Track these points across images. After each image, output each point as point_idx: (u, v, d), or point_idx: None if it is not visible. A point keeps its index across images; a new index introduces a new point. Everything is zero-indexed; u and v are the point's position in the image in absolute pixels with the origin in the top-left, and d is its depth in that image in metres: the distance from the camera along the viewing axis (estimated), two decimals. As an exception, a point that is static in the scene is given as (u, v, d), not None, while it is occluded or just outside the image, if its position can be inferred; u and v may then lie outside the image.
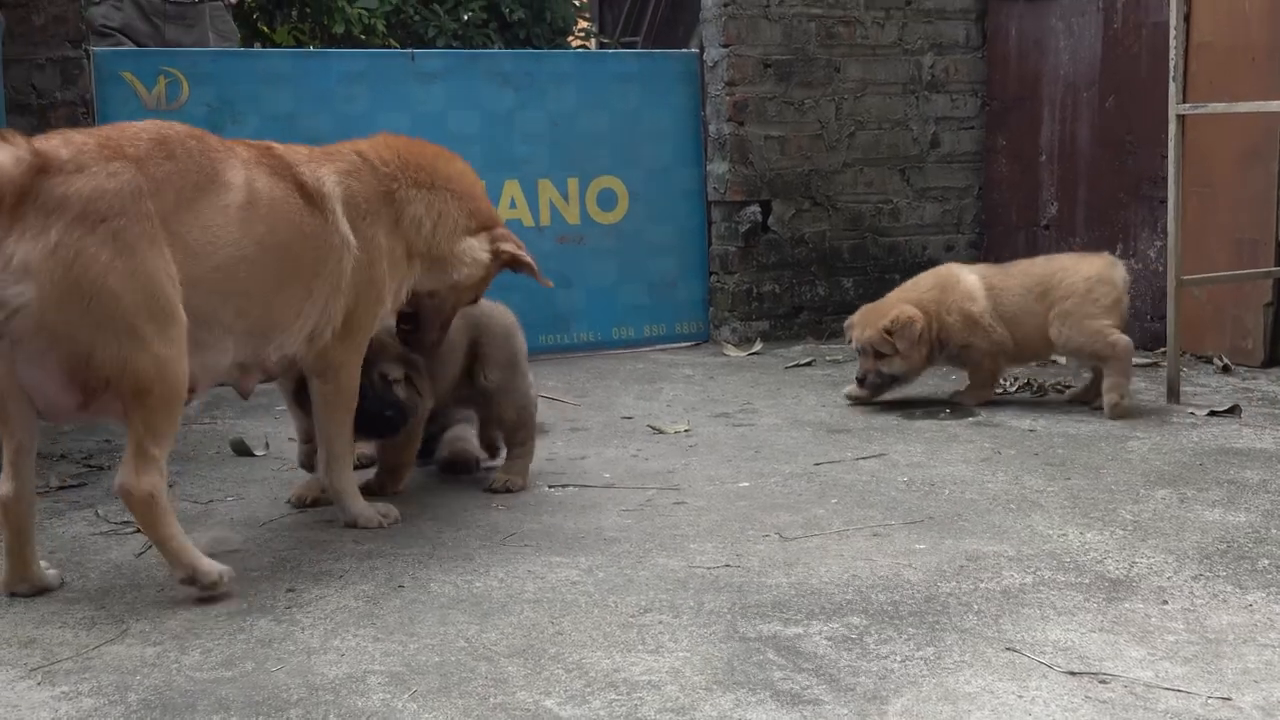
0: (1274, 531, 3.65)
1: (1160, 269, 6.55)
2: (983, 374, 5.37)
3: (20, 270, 2.94)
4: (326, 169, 3.67)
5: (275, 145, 3.67)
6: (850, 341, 5.42)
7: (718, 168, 7.27)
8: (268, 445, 4.97)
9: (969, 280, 5.35)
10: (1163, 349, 5.84)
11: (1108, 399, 5.10)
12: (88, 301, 3.00)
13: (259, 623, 3.15)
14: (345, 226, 3.64)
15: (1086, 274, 5.20)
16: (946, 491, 4.15)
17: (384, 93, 6.64)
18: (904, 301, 5.34)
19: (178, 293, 3.17)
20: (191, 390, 3.38)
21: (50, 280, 2.96)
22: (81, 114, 6.03)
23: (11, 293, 2.95)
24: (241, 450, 4.84)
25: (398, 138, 3.98)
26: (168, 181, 3.22)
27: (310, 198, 3.58)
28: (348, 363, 3.75)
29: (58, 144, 3.09)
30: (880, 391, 5.36)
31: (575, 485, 4.33)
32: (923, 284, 5.42)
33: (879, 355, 5.26)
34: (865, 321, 5.33)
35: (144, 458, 3.17)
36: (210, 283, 3.31)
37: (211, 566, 3.28)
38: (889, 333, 5.21)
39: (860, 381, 5.34)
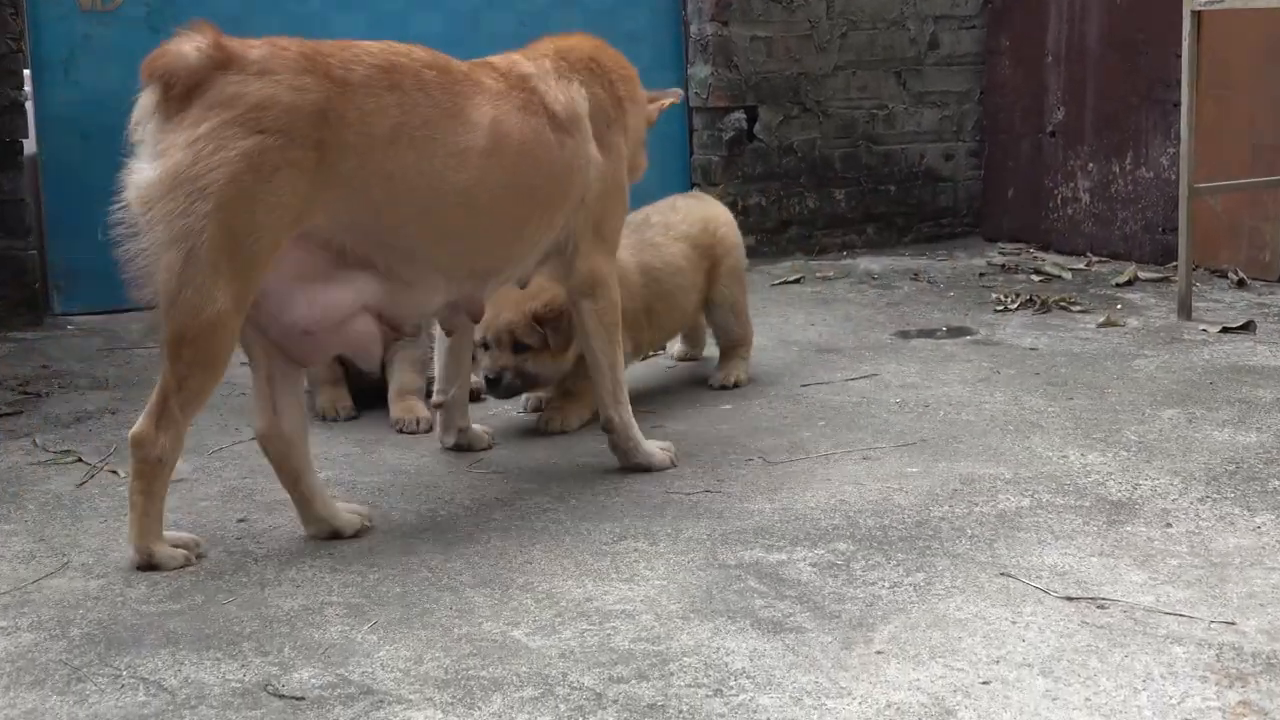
0: (1286, 452, 3.70)
1: (1172, 177, 6.56)
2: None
3: (157, 154, 2.99)
4: (575, 86, 3.57)
5: (522, 62, 3.56)
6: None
7: (699, 71, 7.24)
8: (217, 370, 4.98)
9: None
10: (1174, 263, 5.86)
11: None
12: (188, 204, 2.95)
13: (209, 554, 3.17)
14: (592, 144, 3.59)
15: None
16: (941, 413, 4.19)
17: (338, -9, 6.59)
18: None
19: (279, 245, 3.04)
20: (396, 329, 3.35)
21: (170, 166, 2.97)
22: (10, 14, 5.98)
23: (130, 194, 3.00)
24: (189, 375, 4.84)
25: (590, 38, 3.85)
26: (381, 114, 3.11)
27: (561, 126, 3.48)
28: (611, 274, 3.65)
29: (255, 45, 3.05)
30: (514, 395, 4.15)
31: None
32: None
33: (519, 349, 4.01)
34: (504, 303, 3.97)
35: (167, 415, 3.05)
36: (423, 226, 3.22)
37: (171, 556, 3.10)
38: (539, 321, 3.99)
39: (490, 382, 4.03)
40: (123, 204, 3.04)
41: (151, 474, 3.06)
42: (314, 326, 3.20)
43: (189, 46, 2.99)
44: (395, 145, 3.14)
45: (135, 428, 3.07)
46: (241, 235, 2.98)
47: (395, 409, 4.29)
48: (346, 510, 3.31)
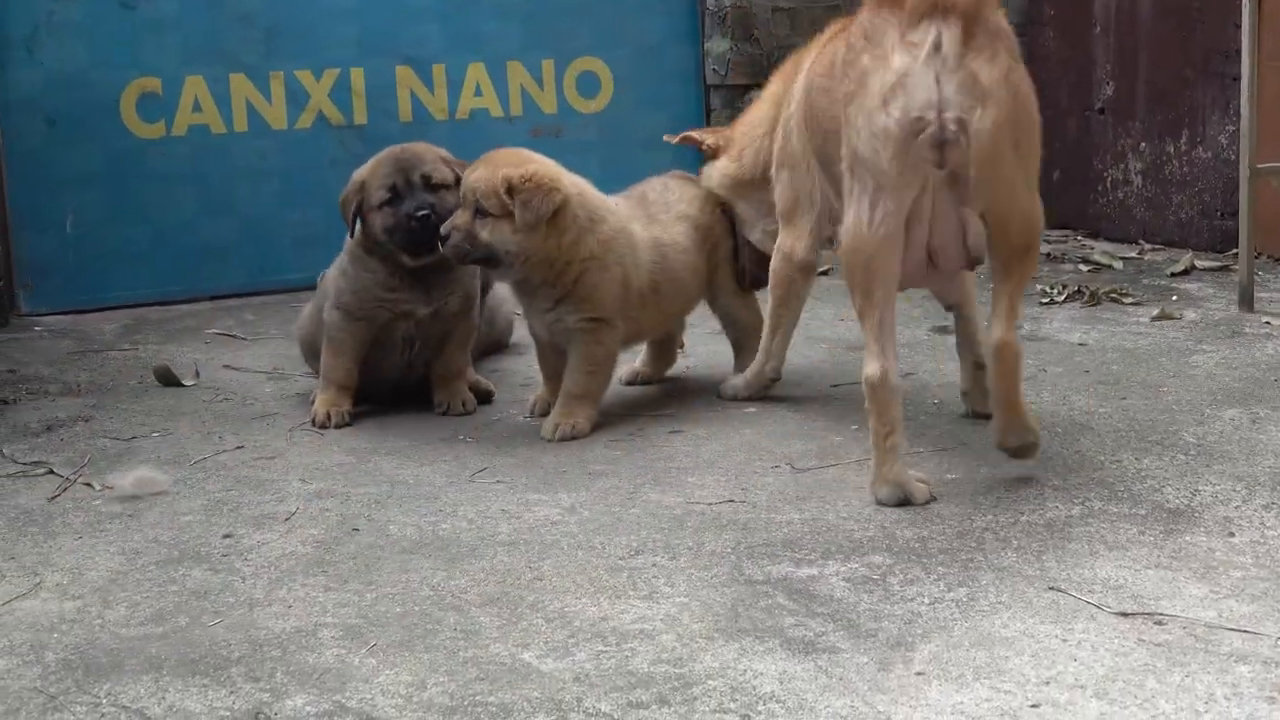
0: (1358, 454, 3.71)
1: (1232, 157, 6.56)
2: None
3: (982, 92, 3.32)
4: None
5: None
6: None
7: (717, 45, 7.26)
8: (198, 374, 5.01)
9: None
10: (1234, 250, 5.87)
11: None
12: (1015, 137, 3.41)
13: (193, 573, 3.20)
14: None
15: None
16: (984, 415, 4.20)
17: (326, -38, 6.63)
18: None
19: None
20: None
21: (1001, 107, 3.34)
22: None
23: (973, 115, 3.31)
24: (168, 380, 4.88)
25: None
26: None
27: None
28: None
29: None
30: (463, 260, 4.23)
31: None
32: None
33: (481, 213, 4.12)
34: (490, 162, 4.21)
35: (1017, 315, 3.59)
36: None
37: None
38: (510, 189, 4.11)
39: (440, 239, 4.17)
40: (958, 121, 3.31)
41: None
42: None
43: None
44: None
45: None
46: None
47: (440, 392, 4.43)
48: (916, 478, 3.52)
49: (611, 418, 4.33)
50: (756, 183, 4.52)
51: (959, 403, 4.30)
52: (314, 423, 4.32)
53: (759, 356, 4.45)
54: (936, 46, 3.32)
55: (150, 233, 6.41)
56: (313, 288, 5.40)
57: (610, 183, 7.10)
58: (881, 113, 3.34)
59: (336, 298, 4.38)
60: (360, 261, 4.38)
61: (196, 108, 6.41)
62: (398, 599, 3.01)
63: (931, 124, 3.30)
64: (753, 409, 4.37)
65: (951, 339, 5.12)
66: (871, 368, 3.45)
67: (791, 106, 4.25)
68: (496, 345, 5.26)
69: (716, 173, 4.66)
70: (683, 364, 4.98)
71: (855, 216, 3.44)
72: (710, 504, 3.52)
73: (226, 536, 3.43)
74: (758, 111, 4.60)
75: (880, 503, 3.45)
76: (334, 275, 4.47)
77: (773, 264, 4.38)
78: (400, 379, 4.52)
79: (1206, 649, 2.63)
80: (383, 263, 4.36)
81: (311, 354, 4.64)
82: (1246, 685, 2.49)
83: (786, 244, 4.32)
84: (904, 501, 3.44)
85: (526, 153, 4.30)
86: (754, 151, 4.53)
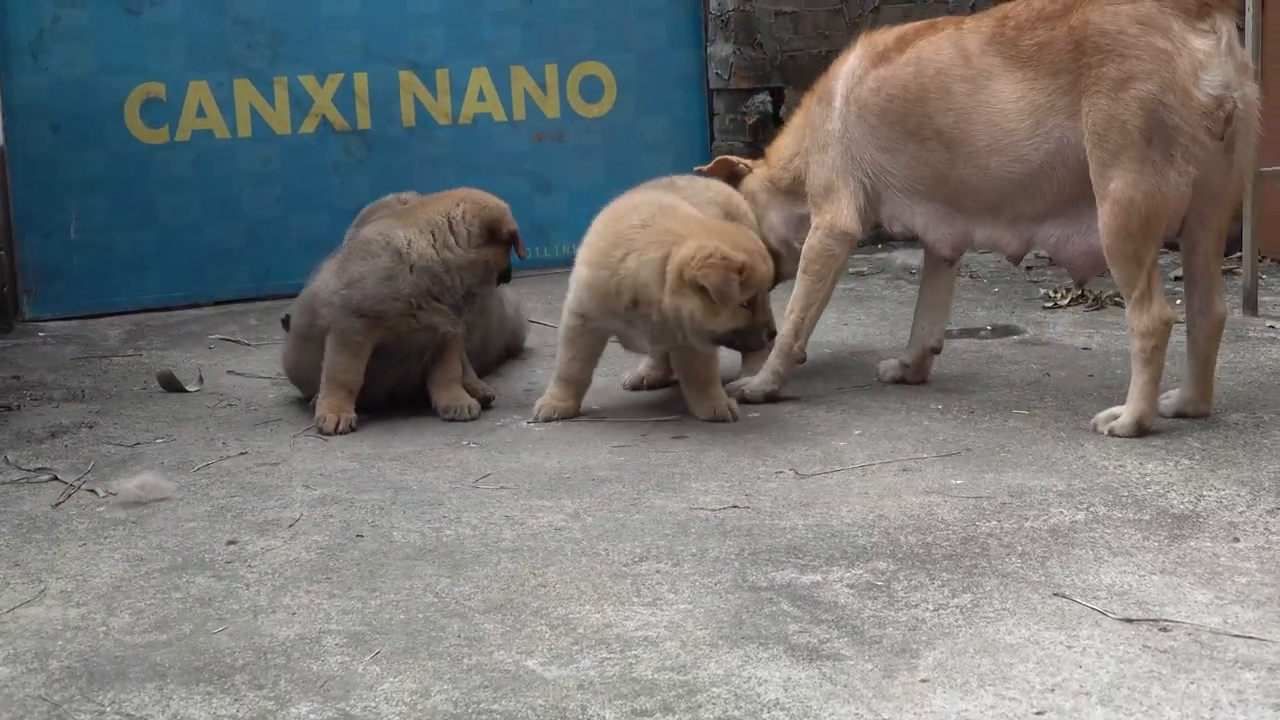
0: (1363, 458, 3.70)
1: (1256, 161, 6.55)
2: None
3: (1244, 66, 4.00)
4: None
5: None
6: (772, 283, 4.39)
7: (720, 50, 7.26)
8: (201, 380, 5.01)
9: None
10: (1239, 254, 5.86)
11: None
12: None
13: (197, 579, 3.20)
14: None
15: None
16: (987, 419, 4.20)
17: (329, -33, 6.63)
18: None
19: None
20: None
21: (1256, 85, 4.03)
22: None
23: (1238, 93, 3.93)
24: (171, 385, 4.88)
25: None
26: None
27: None
28: None
29: None
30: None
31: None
32: None
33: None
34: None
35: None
36: None
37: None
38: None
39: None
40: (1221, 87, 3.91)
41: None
42: None
43: None
44: None
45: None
46: None
47: (443, 397, 4.43)
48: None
49: (615, 423, 4.33)
50: (790, 191, 4.76)
51: (963, 407, 4.30)
52: (320, 429, 4.31)
53: (786, 336, 4.52)
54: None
55: (154, 238, 6.41)
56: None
57: (614, 187, 7.10)
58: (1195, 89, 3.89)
59: (359, 302, 4.34)
60: (401, 275, 4.36)
61: (200, 113, 6.42)
62: (401, 606, 3.01)
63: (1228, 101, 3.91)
64: (756, 414, 4.37)
65: (957, 343, 5.12)
66: (1160, 310, 3.96)
67: (835, 102, 4.53)
68: (514, 351, 5.26)
69: (755, 181, 4.86)
70: (686, 369, 4.97)
71: (1154, 180, 3.91)
72: (714, 510, 3.52)
73: (230, 543, 3.43)
74: (795, 122, 4.83)
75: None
76: (349, 281, 4.41)
77: (809, 242, 4.56)
78: (397, 386, 4.52)
79: (1212, 655, 2.63)
80: (434, 279, 4.36)
81: (302, 373, 4.63)
82: (1252, 692, 2.48)
83: (826, 218, 4.53)
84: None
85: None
86: (787, 161, 4.78)
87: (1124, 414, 4.00)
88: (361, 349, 4.35)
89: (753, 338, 4.17)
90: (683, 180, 4.74)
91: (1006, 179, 4.20)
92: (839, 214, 4.51)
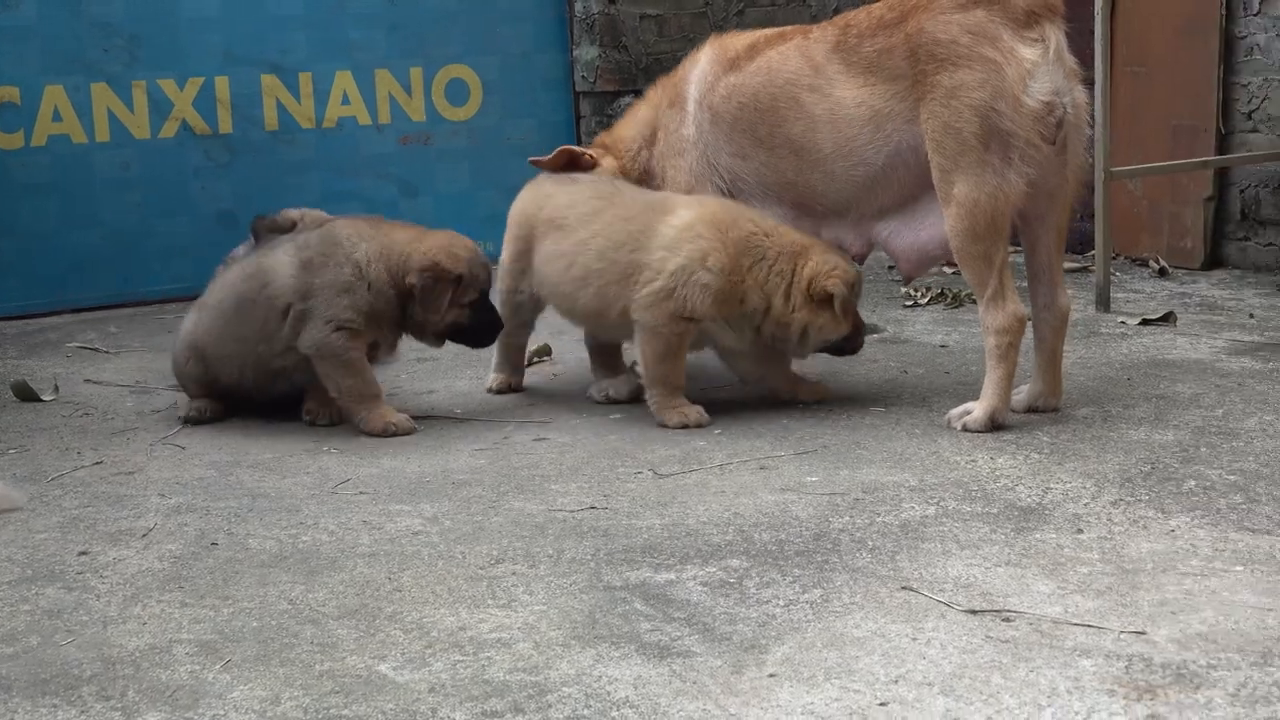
0: (1203, 450, 3.80)
1: (1089, 160, 6.70)
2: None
3: (1073, 73, 4.10)
4: None
5: None
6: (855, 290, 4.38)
7: (586, 52, 7.28)
8: (57, 388, 4.93)
9: None
10: (1092, 251, 5.99)
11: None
12: None
13: (46, 591, 3.16)
14: None
15: None
16: (845, 417, 4.25)
17: (187, -30, 6.55)
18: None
19: None
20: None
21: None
22: None
23: (1067, 99, 4.05)
24: (25, 395, 4.80)
25: None
26: None
27: None
28: None
29: None
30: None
31: (422, 421, 4.36)
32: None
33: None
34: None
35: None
36: None
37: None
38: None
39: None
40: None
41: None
42: None
43: None
44: None
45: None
46: None
47: (315, 403, 4.43)
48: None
49: (477, 426, 4.33)
50: (640, 183, 4.72)
51: (821, 405, 4.35)
52: (373, 432, 4.26)
53: None
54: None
55: (11, 245, 6.29)
56: (183, 299, 5.32)
57: (480, 190, 7.12)
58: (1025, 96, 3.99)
59: (340, 319, 4.27)
60: (382, 294, 4.33)
61: (56, 117, 6.31)
62: (254, 613, 2.99)
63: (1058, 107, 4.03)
64: (618, 414, 4.39)
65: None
66: (1014, 307, 4.05)
67: (689, 107, 4.57)
68: None
69: (606, 172, 4.79)
70: (549, 370, 4.99)
71: (996, 182, 4.01)
72: (572, 511, 3.53)
73: (82, 554, 3.38)
74: (639, 115, 4.82)
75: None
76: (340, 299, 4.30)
77: None
78: (276, 392, 4.47)
79: (1051, 644, 2.69)
80: (401, 307, 4.36)
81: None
82: (1088, 679, 2.54)
83: None
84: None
85: None
86: (635, 153, 4.76)
87: (977, 409, 4.08)
88: (363, 358, 4.38)
89: (859, 340, 4.41)
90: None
91: (851, 182, 4.28)
92: None
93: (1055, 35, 4.05)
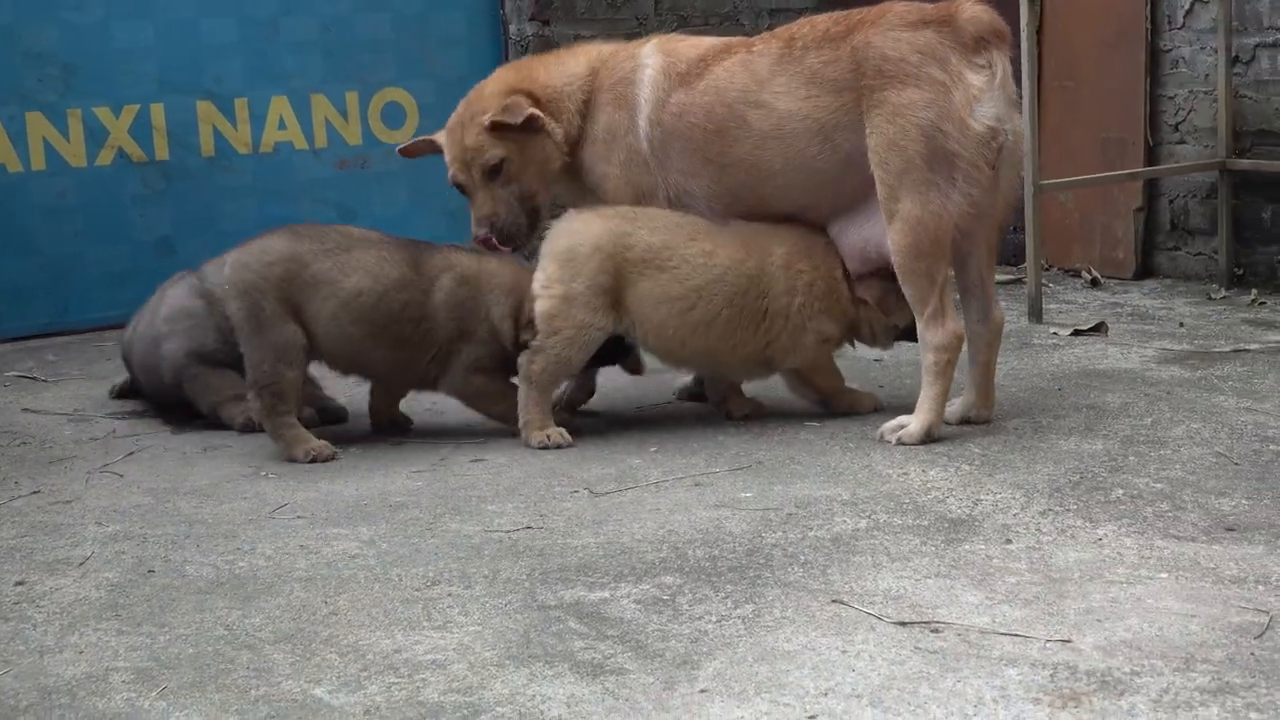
0: (1131, 459, 3.85)
1: (1020, 183, 6.77)
2: None
3: (1014, 101, 4.20)
4: None
5: None
6: None
7: (522, 74, 7.28)
8: (-5, 418, 4.92)
9: None
10: (1024, 264, 6.06)
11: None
12: None
13: (-19, 623, 3.15)
14: None
15: None
16: (779, 432, 4.29)
17: (120, -2, 6.52)
18: None
19: None
20: None
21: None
22: None
23: (1008, 126, 4.13)
24: (-37, 425, 4.78)
25: None
26: None
27: None
28: None
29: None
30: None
31: (358, 446, 4.37)
32: None
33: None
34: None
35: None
36: None
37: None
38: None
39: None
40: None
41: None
42: None
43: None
44: None
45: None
46: None
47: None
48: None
49: (415, 448, 4.34)
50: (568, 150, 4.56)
51: (756, 421, 4.39)
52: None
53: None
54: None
55: (-54, 274, 6.26)
56: (120, 326, 5.26)
57: (419, 213, 7.12)
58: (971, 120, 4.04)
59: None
60: None
61: (-9, 146, 6.29)
62: (191, 640, 2.99)
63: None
64: (555, 435, 4.41)
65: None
66: (954, 325, 4.12)
67: (639, 119, 4.43)
68: None
69: (555, 139, 4.54)
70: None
71: (941, 201, 4.05)
72: (508, 531, 3.55)
73: (19, 584, 3.37)
74: (578, 78, 4.55)
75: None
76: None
77: None
78: None
79: (979, 654, 2.72)
80: None
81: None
82: (1014, 688, 2.58)
83: None
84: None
85: None
86: (571, 117, 4.54)
87: (912, 424, 4.12)
88: None
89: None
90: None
91: (804, 191, 4.30)
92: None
93: (1002, 62, 4.11)
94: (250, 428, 4.50)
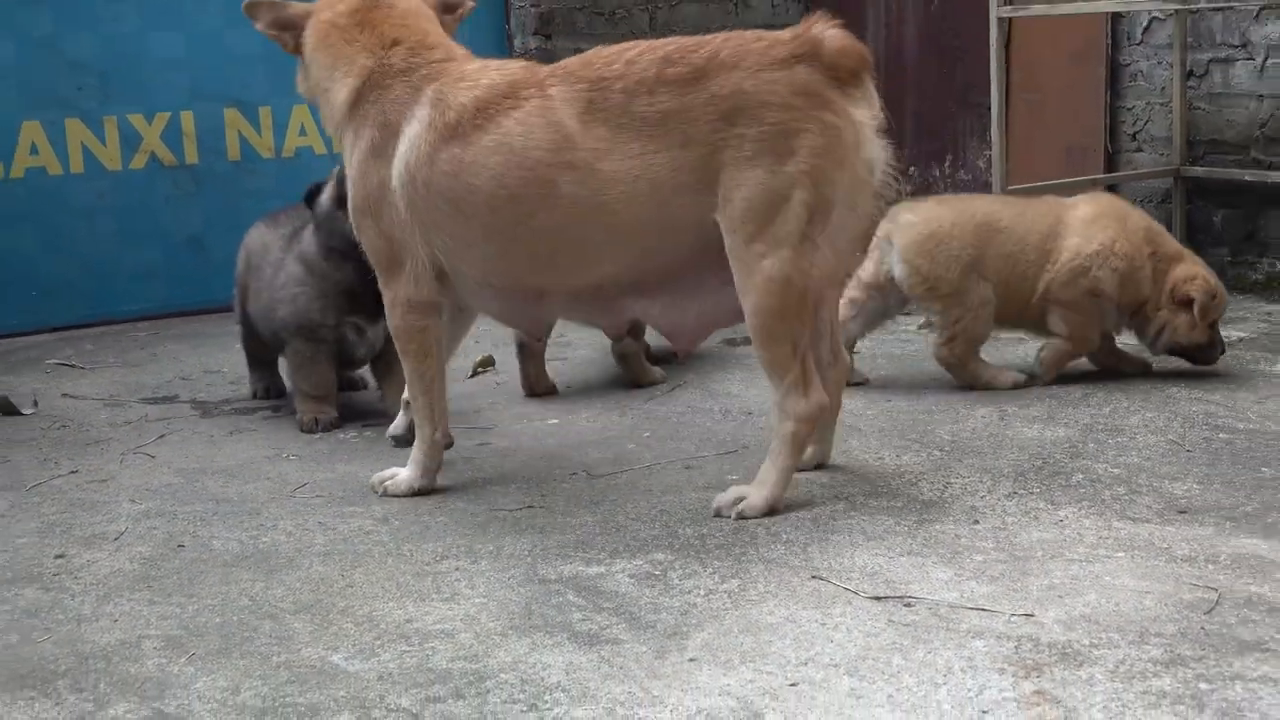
0: (1090, 446, 3.86)
1: (989, 179, 6.77)
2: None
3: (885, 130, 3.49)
4: None
5: None
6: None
7: (527, 85, 7.27)
8: (36, 403, 4.91)
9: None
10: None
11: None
12: None
13: (24, 592, 3.15)
14: None
15: None
16: (763, 420, 4.27)
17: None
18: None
19: None
20: None
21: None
22: None
23: (884, 157, 3.48)
24: (7, 409, 4.77)
25: None
26: None
27: None
28: None
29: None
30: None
31: (373, 430, 4.37)
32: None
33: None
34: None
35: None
36: None
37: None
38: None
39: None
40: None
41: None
42: None
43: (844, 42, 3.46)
44: None
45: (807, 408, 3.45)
46: None
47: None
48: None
49: (426, 433, 4.34)
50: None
51: (741, 409, 4.39)
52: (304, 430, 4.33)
53: (422, 427, 3.76)
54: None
55: (-8, 270, 6.25)
56: (154, 318, 5.22)
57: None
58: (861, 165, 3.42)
59: None
60: None
61: (34, 151, 6.26)
62: (217, 609, 2.99)
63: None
64: (555, 420, 4.41)
65: (740, 349, 5.22)
66: (820, 395, 3.46)
67: (395, 164, 3.59)
68: None
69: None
70: (493, 379, 5.00)
71: (811, 257, 3.37)
72: (511, 510, 3.55)
73: (59, 557, 3.38)
74: (357, 66, 3.76)
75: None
76: None
77: (393, 322, 3.73)
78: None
79: (948, 627, 2.73)
80: None
81: None
82: (981, 658, 2.58)
83: (401, 294, 3.68)
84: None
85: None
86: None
87: (754, 496, 3.44)
88: None
89: (1214, 354, 4.54)
90: None
91: (621, 264, 3.51)
92: (412, 288, 3.65)
93: (873, 90, 3.47)
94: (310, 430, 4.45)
